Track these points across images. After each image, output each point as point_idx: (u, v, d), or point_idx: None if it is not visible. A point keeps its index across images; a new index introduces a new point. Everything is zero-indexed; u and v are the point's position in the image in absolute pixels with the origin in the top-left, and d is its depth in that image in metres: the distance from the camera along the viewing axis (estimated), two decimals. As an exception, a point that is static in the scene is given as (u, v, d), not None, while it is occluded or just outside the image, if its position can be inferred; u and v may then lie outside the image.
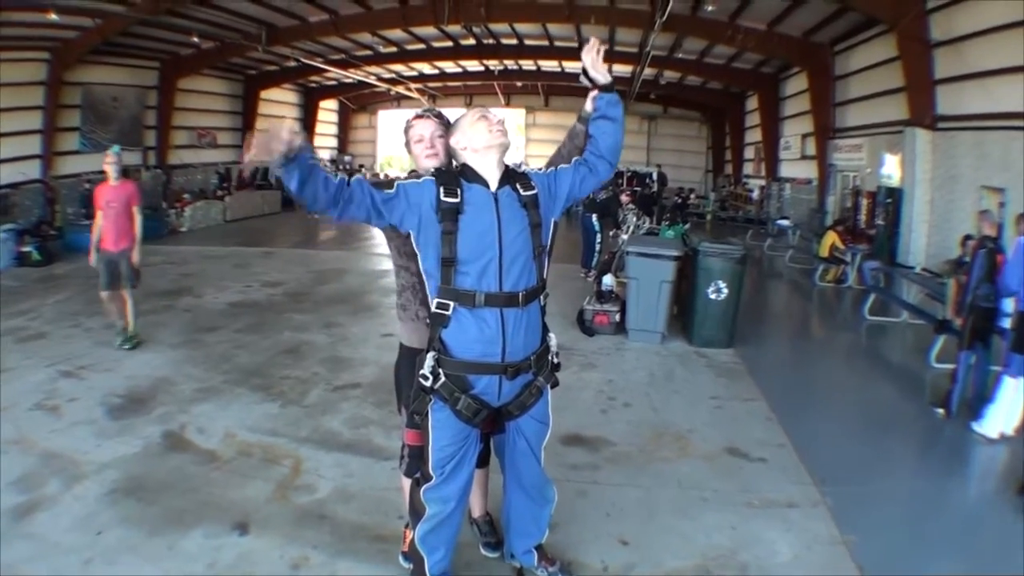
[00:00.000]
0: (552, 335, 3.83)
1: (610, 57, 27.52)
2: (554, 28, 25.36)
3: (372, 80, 35.05)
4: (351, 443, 6.37)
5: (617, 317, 10.41)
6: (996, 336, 7.59)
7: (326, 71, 31.05)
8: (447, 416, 3.51)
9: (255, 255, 17.94)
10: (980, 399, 7.42)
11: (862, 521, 5.19)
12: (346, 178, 3.30)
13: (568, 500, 5.14)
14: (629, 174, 34.99)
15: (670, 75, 31.70)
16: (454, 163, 3.70)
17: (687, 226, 15.54)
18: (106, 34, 20.44)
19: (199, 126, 29.54)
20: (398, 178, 3.58)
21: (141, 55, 24.69)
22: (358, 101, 44.05)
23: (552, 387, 3.85)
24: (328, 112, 42.47)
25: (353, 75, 32.88)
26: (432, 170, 3.58)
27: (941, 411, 7.66)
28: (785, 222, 23.90)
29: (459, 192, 3.41)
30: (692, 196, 33.88)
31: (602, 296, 10.82)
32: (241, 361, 8.75)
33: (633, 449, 6.43)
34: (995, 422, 7.05)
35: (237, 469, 5.78)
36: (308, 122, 38.42)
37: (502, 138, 3.51)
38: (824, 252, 16.38)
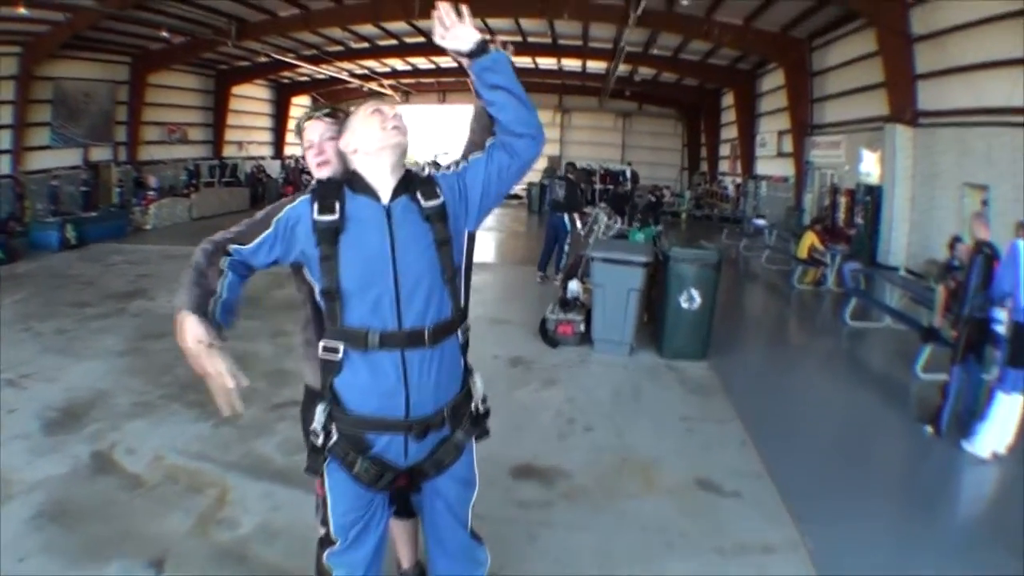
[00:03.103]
0: (477, 377, 3.09)
1: (584, 53, 27.37)
2: (527, 24, 25.21)
3: (344, 76, 34.80)
4: (282, 471, 5.88)
5: (582, 327, 9.82)
6: (989, 347, 7.12)
7: (298, 67, 31.03)
8: (344, 479, 2.86)
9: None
10: (971, 415, 7.01)
11: (846, 565, 4.73)
12: (232, 262, 2.73)
13: (515, 545, 4.69)
14: (602, 172, 34.71)
15: (645, 71, 31.66)
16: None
17: (659, 228, 15.04)
18: (76, 28, 20.28)
19: (169, 122, 29.22)
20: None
21: (112, 49, 24.51)
22: (331, 98, 43.29)
23: (480, 439, 3.09)
24: (301, 109, 42.03)
25: (325, 71, 32.63)
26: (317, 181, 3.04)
27: (930, 429, 7.21)
28: (761, 221, 23.55)
29: (338, 207, 2.75)
30: (667, 194, 33.58)
31: (566, 304, 10.19)
32: (181, 372, 8.14)
33: (592, 483, 5.87)
34: (987, 441, 6.65)
35: (161, 497, 5.44)
36: (279, 119, 38.29)
37: (397, 136, 2.79)
38: (803, 253, 15.89)
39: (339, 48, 29.67)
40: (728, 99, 31.46)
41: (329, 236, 2.69)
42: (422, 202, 2.78)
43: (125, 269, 15.10)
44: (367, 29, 26.54)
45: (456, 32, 2.78)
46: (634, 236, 12.79)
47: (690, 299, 9.11)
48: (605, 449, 6.57)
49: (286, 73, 34.72)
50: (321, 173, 3.11)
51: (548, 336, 9.91)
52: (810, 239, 15.80)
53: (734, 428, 7.20)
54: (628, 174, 34.80)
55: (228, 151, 33.64)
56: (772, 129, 26.68)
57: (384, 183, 2.78)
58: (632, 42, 22.78)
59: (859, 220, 19.00)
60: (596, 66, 29.08)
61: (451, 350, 2.86)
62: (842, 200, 20.84)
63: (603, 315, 9.41)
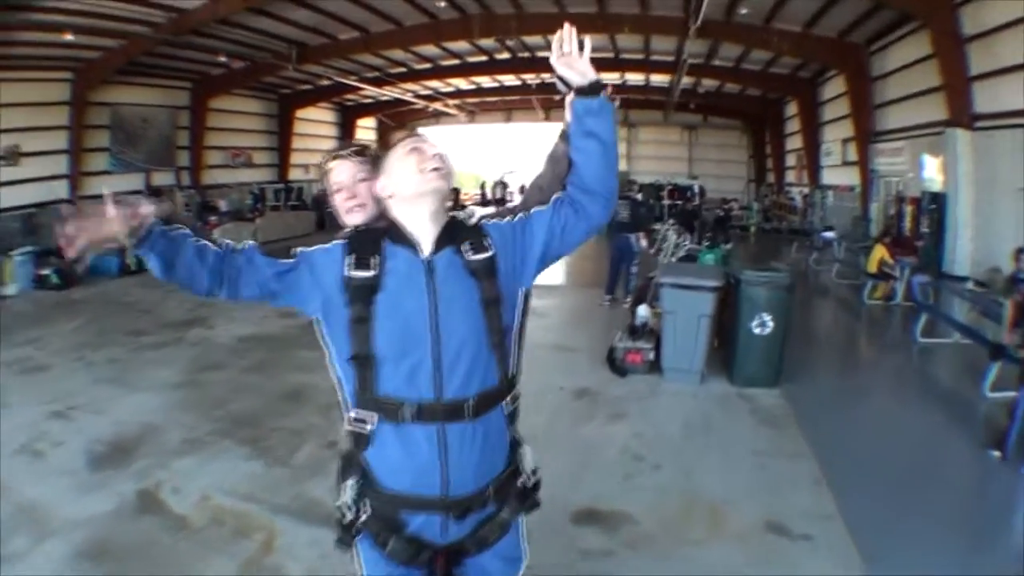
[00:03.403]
0: (526, 450, 2.70)
1: (647, 67, 27.08)
2: (590, 39, 24.34)
3: (408, 97, 34.61)
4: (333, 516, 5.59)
5: (652, 355, 9.40)
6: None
7: (361, 89, 30.80)
8: (377, 558, 2.55)
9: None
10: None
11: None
12: (232, 245, 2.45)
13: (572, 600, 4.28)
14: (670, 187, 34.21)
15: (708, 83, 31.15)
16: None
17: (728, 246, 14.61)
18: (131, 55, 20.47)
19: (233, 146, 29.43)
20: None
21: (171, 75, 24.81)
22: (396, 119, 43.79)
23: (530, 511, 2.72)
24: (366, 131, 42.38)
25: (389, 92, 32.57)
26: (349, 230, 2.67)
27: (997, 453, 6.80)
28: (830, 234, 22.86)
29: (376, 261, 2.40)
30: (734, 207, 32.99)
31: (635, 331, 9.76)
32: (235, 408, 8.15)
33: (657, 528, 5.49)
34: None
35: (206, 540, 5.26)
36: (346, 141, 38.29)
37: (437, 180, 2.44)
38: (872, 267, 15.34)
39: (402, 69, 29.57)
40: (791, 108, 30.85)
41: (364, 295, 2.36)
42: (468, 255, 2.44)
43: (185, 296, 14.74)
44: (429, 50, 26.37)
45: (573, 62, 2.47)
46: (703, 257, 12.40)
47: (762, 324, 8.68)
48: (672, 490, 6.20)
49: (350, 95, 34.69)
50: (352, 219, 2.82)
51: (616, 365, 9.50)
52: (880, 253, 15.26)
53: (806, 463, 6.79)
54: (696, 188, 34.28)
55: (294, 174, 33.77)
56: (836, 137, 25.98)
57: (424, 233, 2.44)
58: (694, 53, 22.53)
59: (925, 229, 18.37)
60: (659, 79, 28.70)
61: (496, 423, 2.51)
62: (908, 209, 20.15)
63: (673, 343, 9.04)
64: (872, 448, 7.38)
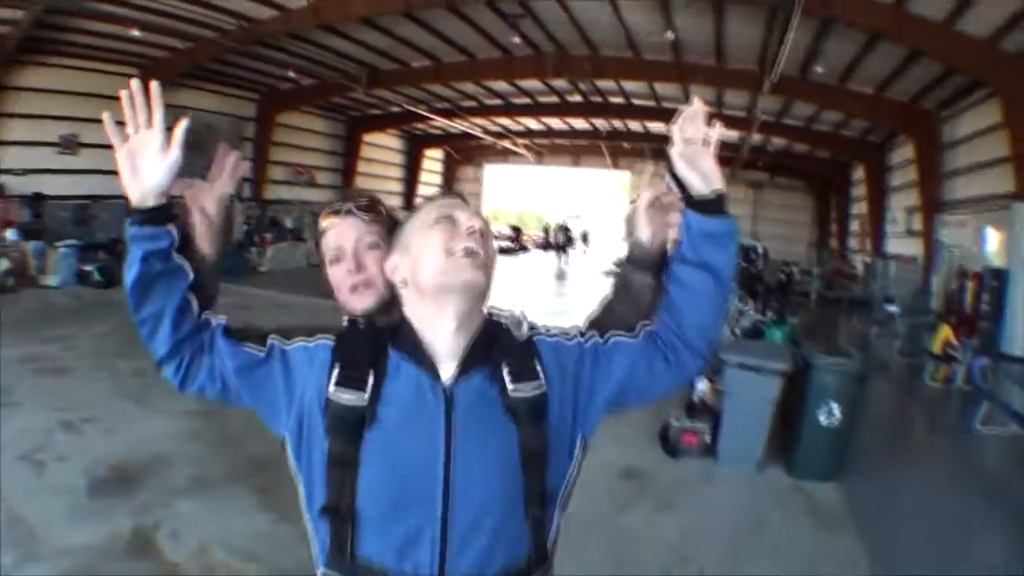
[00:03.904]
0: None
1: (717, 120, 26.71)
2: (662, 88, 24.44)
3: (478, 132, 34.55)
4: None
5: (708, 437, 8.65)
6: None
7: (430, 119, 30.68)
8: None
9: (327, 309, 17.13)
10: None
11: None
12: (207, 317, 1.82)
13: None
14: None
15: (778, 142, 30.83)
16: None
17: (795, 321, 13.92)
18: (197, 59, 20.57)
19: (297, 163, 29.47)
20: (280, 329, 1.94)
21: (238, 85, 25.00)
22: (464, 153, 43.93)
23: None
24: (433, 162, 42.46)
25: (458, 125, 32.37)
26: (348, 319, 2.08)
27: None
28: (893, 308, 22.17)
29: (372, 378, 1.74)
30: (795, 272, 32.34)
31: (692, 408, 9.02)
32: (253, 448, 7.53)
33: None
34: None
35: None
36: (411, 170, 38.45)
37: (470, 270, 1.76)
38: (937, 348, 14.59)
39: (472, 103, 29.33)
40: (859, 173, 30.18)
41: (349, 428, 1.70)
42: (509, 384, 1.77)
43: (230, 314, 14.48)
44: (501, 86, 26.10)
45: (698, 157, 1.83)
46: (770, 333, 11.75)
47: (829, 414, 8.01)
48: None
49: (419, 125, 34.58)
50: (355, 302, 2.12)
51: (669, 444, 8.78)
52: (945, 333, 14.51)
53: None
54: (760, 249, 33.64)
55: (356, 200, 33.48)
56: (902, 205, 25.24)
57: (447, 345, 1.77)
58: (766, 110, 22.25)
59: (985, 306, 17.60)
60: (729, 134, 28.23)
61: None
62: (969, 284, 19.39)
63: (733, 427, 8.35)
64: (929, 557, 6.74)
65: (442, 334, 1.76)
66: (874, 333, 20.35)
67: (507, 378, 1.76)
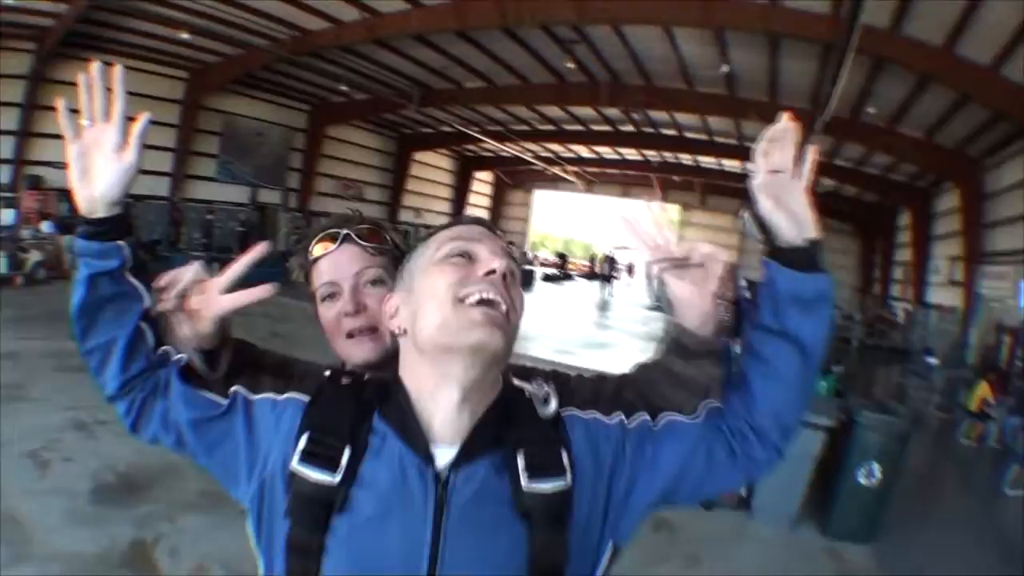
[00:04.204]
0: None
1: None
2: (714, 122, 24.40)
3: (528, 157, 34.56)
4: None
5: (743, 490, 8.23)
6: None
7: (482, 141, 30.69)
8: None
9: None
10: None
11: None
12: (166, 350, 1.49)
13: None
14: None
15: (826, 183, 30.39)
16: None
17: (840, 369, 13.57)
18: (249, 66, 20.80)
19: (345, 177, 29.70)
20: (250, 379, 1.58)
21: (290, 95, 25.25)
22: (514, 177, 44.03)
23: None
24: (482, 184, 42.57)
25: (510, 149, 32.35)
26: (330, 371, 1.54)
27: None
28: (932, 359, 21.70)
29: (348, 453, 1.35)
30: (838, 316, 31.89)
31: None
32: (270, 467, 7.43)
33: None
34: None
35: None
36: (460, 191, 38.60)
37: (483, 329, 1.33)
38: (973, 405, 14.18)
39: (525, 127, 29.35)
40: (905, 219, 29.89)
41: (314, 512, 1.33)
42: (524, 477, 1.36)
43: (260, 323, 14.32)
44: (553, 111, 26.10)
45: (788, 192, 1.41)
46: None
47: (870, 474, 7.65)
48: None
49: (470, 146, 34.74)
50: (356, 350, 1.75)
51: (704, 497, 8.45)
52: (983, 391, 14.12)
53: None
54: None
55: (404, 216, 33.94)
56: (945, 254, 24.86)
57: (447, 418, 1.36)
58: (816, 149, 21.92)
59: (1020, 363, 17.10)
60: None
61: None
62: (1006, 339, 18.85)
63: (770, 481, 7.86)
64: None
65: (442, 406, 1.36)
66: (913, 385, 19.97)
67: (522, 468, 1.36)
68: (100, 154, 1.45)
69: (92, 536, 5.44)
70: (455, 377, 1.33)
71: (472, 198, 40.77)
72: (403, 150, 32.79)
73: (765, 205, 1.40)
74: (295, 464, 1.33)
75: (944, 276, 24.72)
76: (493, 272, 1.37)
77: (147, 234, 19.67)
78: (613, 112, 23.82)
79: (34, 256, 15.89)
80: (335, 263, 1.79)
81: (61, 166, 18.74)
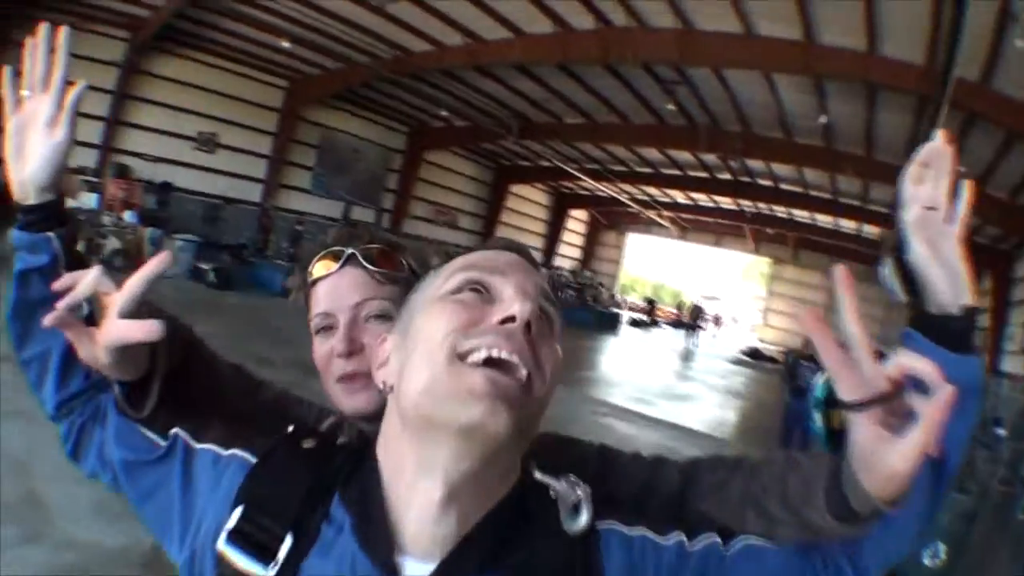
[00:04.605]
0: None
1: (861, 215, 26.42)
2: (810, 175, 24.02)
3: (624, 198, 34.24)
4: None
5: None
6: None
7: (579, 179, 30.55)
8: None
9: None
10: None
11: None
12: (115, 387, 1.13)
13: None
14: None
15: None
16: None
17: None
18: (349, 81, 21.01)
19: (441, 203, 29.79)
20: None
21: (389, 115, 25.38)
22: (608, 217, 43.82)
23: None
24: (577, 223, 42.45)
25: (606, 189, 32.17)
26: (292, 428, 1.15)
27: None
28: (1000, 430, 20.92)
29: (290, 542, 0.97)
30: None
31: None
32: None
33: None
34: None
35: None
36: (554, 227, 38.45)
37: (481, 405, 0.88)
38: (1040, 482, 13.56)
39: (622, 168, 29.15)
40: (987, 281, 28.59)
41: None
42: None
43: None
44: (652, 154, 25.95)
45: (944, 238, 1.06)
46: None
47: (935, 555, 7.33)
48: None
49: (567, 182, 34.57)
50: (347, 398, 1.38)
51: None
52: (1048, 466, 13.50)
53: None
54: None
55: (498, 250, 33.73)
56: (1021, 321, 24.25)
57: (424, 520, 0.95)
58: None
59: None
60: (872, 231, 27.33)
61: None
62: None
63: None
64: None
65: (419, 503, 0.95)
66: (981, 457, 19.21)
67: None
68: (34, 129, 1.24)
69: (116, 530, 5.16)
70: (439, 466, 0.92)
71: (566, 235, 40.62)
72: (500, 181, 32.78)
73: (920, 252, 1.05)
74: (221, 543, 0.99)
75: (1018, 343, 24.07)
76: (512, 320, 0.95)
77: (235, 237, 19.95)
78: (710, 158, 23.57)
79: (112, 243, 16.13)
80: (334, 289, 1.43)
81: (152, 160, 19.23)
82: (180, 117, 20.39)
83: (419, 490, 0.94)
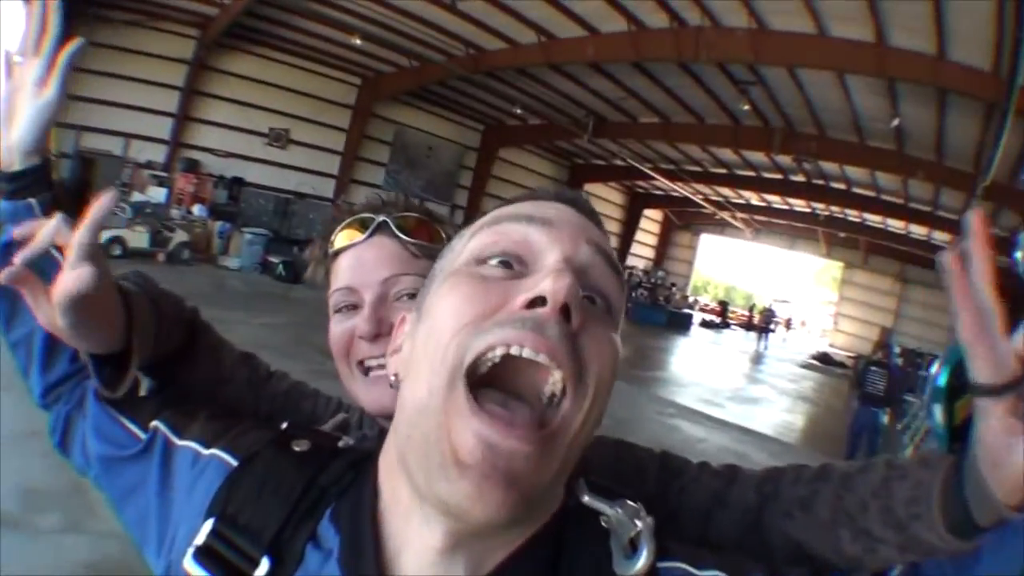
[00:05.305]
0: None
1: (932, 221, 25.90)
2: (882, 179, 23.51)
3: (698, 199, 33.78)
4: None
5: None
6: None
7: (653, 179, 30.16)
8: None
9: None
10: None
11: None
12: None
13: None
14: (930, 358, 31.95)
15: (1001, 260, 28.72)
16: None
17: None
18: (423, 79, 20.99)
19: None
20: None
21: (464, 113, 25.33)
22: (682, 218, 43.37)
23: None
24: (651, 222, 42.08)
25: (680, 189, 31.79)
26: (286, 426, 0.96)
27: None
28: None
29: (266, 567, 0.77)
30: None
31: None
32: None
33: None
34: None
35: None
36: (629, 226, 38.25)
37: (475, 495, 0.65)
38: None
39: (697, 168, 28.92)
40: None
41: None
42: None
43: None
44: (726, 155, 25.65)
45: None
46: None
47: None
48: None
49: (641, 182, 34.24)
50: (364, 392, 1.21)
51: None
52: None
53: None
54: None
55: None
56: None
57: (422, 564, 0.73)
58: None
59: None
60: (942, 237, 26.75)
61: None
62: None
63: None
64: None
65: (415, 546, 0.75)
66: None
67: None
68: (23, 92, 1.11)
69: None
70: (435, 518, 0.72)
71: (639, 235, 40.31)
72: (574, 179, 32.34)
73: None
74: (187, 561, 0.81)
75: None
76: (541, 302, 0.70)
77: (305, 232, 19.87)
78: (784, 160, 23.17)
79: (179, 236, 16.28)
80: (359, 261, 1.23)
81: (223, 155, 19.47)
82: (252, 113, 20.72)
83: (416, 531, 0.74)
